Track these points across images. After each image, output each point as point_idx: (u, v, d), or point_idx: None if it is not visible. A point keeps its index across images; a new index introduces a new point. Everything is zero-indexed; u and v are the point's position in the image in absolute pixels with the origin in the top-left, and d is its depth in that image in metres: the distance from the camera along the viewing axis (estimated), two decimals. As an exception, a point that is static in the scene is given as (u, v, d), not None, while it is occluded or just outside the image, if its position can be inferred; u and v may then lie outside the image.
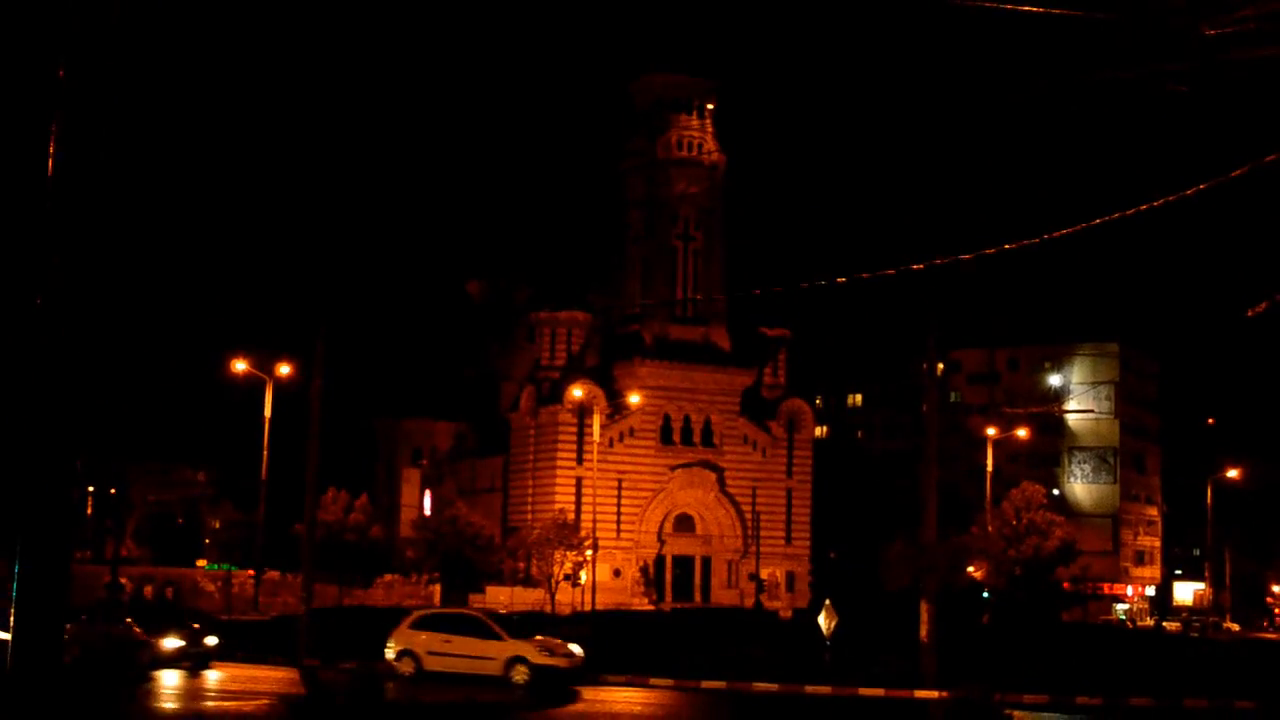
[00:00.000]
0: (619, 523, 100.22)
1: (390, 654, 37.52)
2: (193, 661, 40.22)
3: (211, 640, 41.67)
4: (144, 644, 39.52)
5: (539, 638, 37.50)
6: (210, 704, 31.27)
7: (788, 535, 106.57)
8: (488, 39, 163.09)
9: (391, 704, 25.60)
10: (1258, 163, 17.02)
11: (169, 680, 36.58)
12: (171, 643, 40.18)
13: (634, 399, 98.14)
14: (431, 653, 36.88)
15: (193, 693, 33.92)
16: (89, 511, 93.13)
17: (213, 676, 38.25)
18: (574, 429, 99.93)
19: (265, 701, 28.96)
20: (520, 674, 35.64)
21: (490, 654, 36.22)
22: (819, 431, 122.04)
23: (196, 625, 43.16)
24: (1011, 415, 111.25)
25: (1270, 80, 14.50)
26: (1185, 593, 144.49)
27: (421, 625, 38.32)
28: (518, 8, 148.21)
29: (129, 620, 40.79)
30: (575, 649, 37.47)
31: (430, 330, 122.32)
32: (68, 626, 39.94)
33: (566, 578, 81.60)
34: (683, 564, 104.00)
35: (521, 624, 40.88)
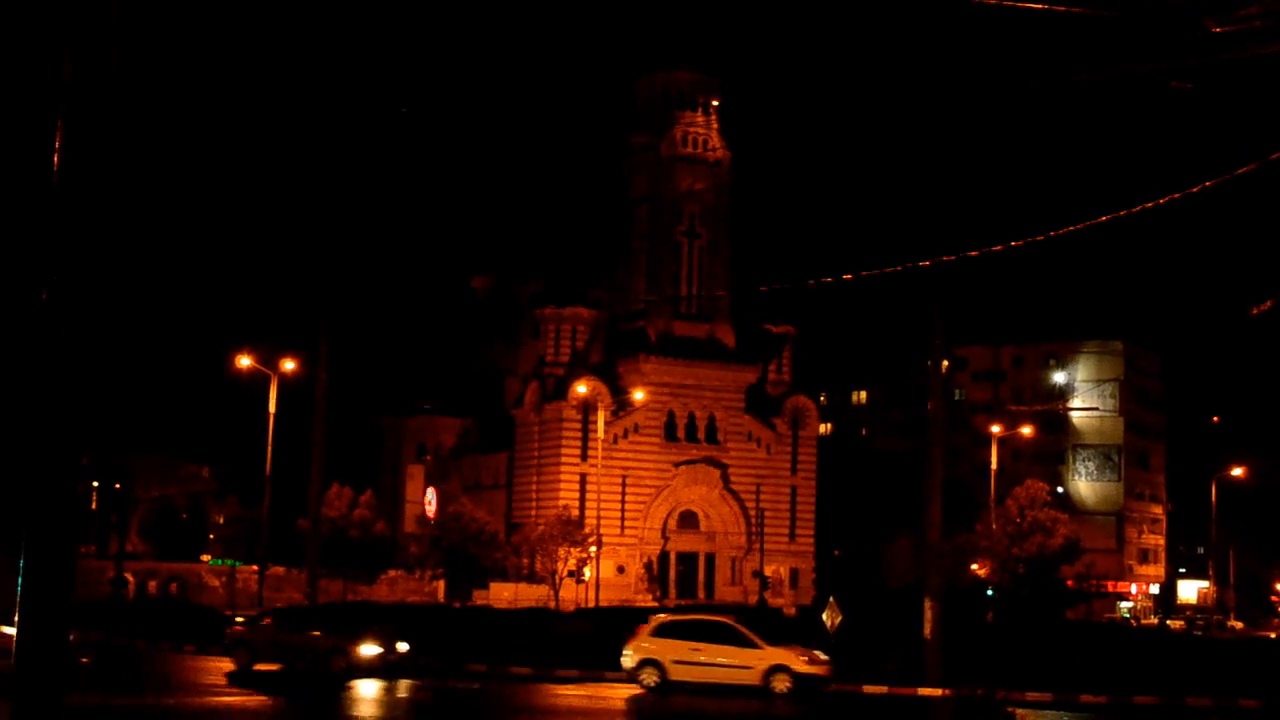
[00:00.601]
0: (623, 519, 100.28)
1: (629, 663, 35.16)
2: (389, 669, 36.88)
3: (403, 646, 38.03)
4: (337, 650, 36.51)
5: (797, 646, 35.56)
6: None
7: (792, 532, 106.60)
8: (494, 36, 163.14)
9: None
10: (1263, 160, 17.00)
11: (367, 691, 33.44)
12: (369, 649, 36.70)
13: (638, 395, 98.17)
14: (678, 661, 34.55)
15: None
16: (93, 506, 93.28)
17: (405, 685, 35.28)
18: (578, 425, 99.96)
19: None
20: (782, 683, 33.77)
21: (748, 663, 34.20)
22: (823, 428, 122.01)
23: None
24: (1016, 413, 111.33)
25: (1275, 77, 14.49)
26: (1190, 591, 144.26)
27: (665, 632, 35.63)
28: (524, 5, 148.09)
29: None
30: (821, 654, 35.59)
31: (435, 326, 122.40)
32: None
33: (570, 574, 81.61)
34: (687, 561, 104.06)
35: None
